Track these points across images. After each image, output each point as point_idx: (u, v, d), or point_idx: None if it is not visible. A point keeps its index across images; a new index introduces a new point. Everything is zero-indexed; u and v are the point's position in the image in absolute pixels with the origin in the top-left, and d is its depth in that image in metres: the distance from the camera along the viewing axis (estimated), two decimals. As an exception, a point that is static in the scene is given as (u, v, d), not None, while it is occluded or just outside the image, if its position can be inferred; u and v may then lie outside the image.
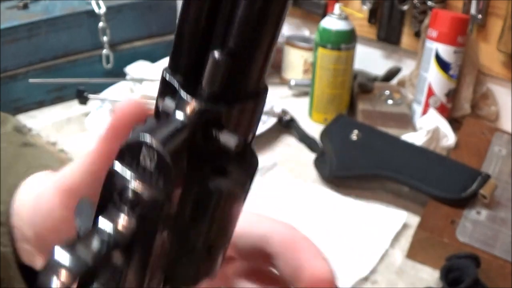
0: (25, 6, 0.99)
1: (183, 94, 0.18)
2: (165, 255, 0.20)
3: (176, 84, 0.18)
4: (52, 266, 0.17)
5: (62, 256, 0.17)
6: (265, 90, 0.21)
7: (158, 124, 0.18)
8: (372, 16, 1.11)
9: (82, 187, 0.28)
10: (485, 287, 0.55)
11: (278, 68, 1.19)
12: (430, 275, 0.62)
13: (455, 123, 0.96)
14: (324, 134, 0.83)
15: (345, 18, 0.92)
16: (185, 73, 0.19)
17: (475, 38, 0.96)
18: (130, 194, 0.18)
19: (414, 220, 0.70)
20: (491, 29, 0.94)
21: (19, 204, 0.33)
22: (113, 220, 0.18)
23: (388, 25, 1.09)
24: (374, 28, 1.13)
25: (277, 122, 0.93)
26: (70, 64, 1.00)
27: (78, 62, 1.01)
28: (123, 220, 0.18)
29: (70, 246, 0.17)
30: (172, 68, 0.19)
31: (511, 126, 0.97)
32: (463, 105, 0.96)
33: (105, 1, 1.01)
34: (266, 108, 0.96)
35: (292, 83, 1.08)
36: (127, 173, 0.18)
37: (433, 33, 0.89)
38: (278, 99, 1.00)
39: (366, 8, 1.09)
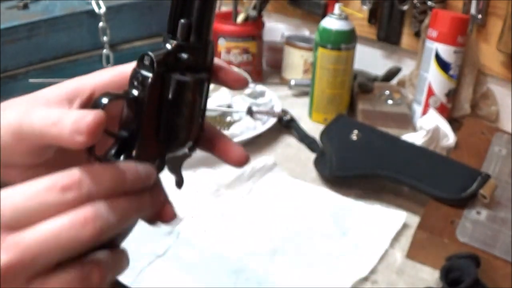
0: (25, 6, 0.99)
1: (169, 39, 0.35)
2: (155, 117, 0.34)
3: (168, 36, 0.35)
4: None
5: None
6: (209, 42, 0.36)
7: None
8: (372, 16, 1.12)
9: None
10: (485, 287, 0.55)
11: (278, 68, 1.19)
12: (430, 275, 0.62)
13: (455, 123, 0.96)
14: (324, 134, 0.83)
15: (345, 18, 0.92)
16: (172, 31, 0.35)
17: (475, 38, 0.96)
18: (140, 77, 0.34)
19: (414, 220, 0.70)
20: (491, 29, 0.94)
21: None
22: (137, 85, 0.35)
23: (388, 25, 1.09)
24: (374, 28, 1.13)
25: (277, 122, 0.93)
26: (70, 64, 1.00)
27: (78, 62, 1.01)
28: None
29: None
30: (168, 30, 0.35)
31: (511, 126, 0.97)
32: (463, 105, 0.96)
33: (105, 1, 1.01)
34: (266, 108, 0.96)
35: (292, 83, 1.08)
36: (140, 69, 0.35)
37: (433, 33, 0.89)
38: (278, 99, 1.00)
39: (366, 8, 1.09)
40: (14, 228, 0.29)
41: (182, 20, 0.34)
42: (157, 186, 0.35)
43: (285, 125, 0.94)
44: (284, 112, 0.96)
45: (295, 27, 1.26)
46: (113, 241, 0.33)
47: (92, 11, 1.00)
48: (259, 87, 1.04)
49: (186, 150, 0.37)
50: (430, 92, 0.92)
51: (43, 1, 1.03)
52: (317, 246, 0.64)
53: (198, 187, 0.72)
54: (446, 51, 0.89)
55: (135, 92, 0.34)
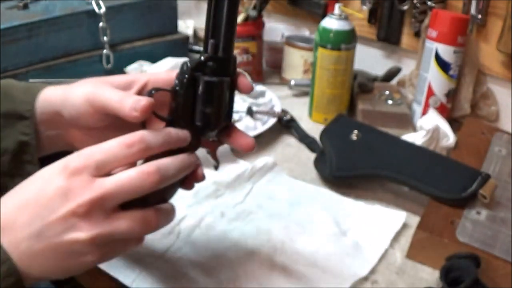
0: (25, 6, 0.99)
1: (203, 53, 0.48)
2: (191, 107, 0.48)
3: (203, 52, 0.48)
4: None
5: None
6: (231, 55, 0.49)
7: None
8: (372, 16, 1.12)
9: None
10: (485, 287, 0.55)
11: (278, 68, 1.19)
12: (430, 275, 0.62)
13: (455, 123, 0.96)
14: (324, 134, 0.83)
15: (345, 18, 0.92)
16: (205, 48, 0.48)
17: (475, 38, 0.96)
18: (180, 78, 0.47)
19: (414, 220, 0.70)
20: (491, 29, 0.94)
21: (48, 94, 0.52)
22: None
23: (388, 25, 1.09)
24: (374, 28, 1.13)
25: (277, 122, 0.93)
26: (70, 64, 1.00)
27: (78, 62, 1.01)
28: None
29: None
30: (203, 48, 0.48)
31: (511, 126, 0.97)
32: (463, 105, 0.96)
33: (105, 1, 1.01)
34: (266, 108, 0.96)
35: (292, 83, 1.08)
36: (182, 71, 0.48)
37: (433, 33, 0.89)
38: (278, 99, 1.00)
39: (366, 8, 1.09)
40: (97, 175, 0.42)
41: (211, 40, 0.48)
42: (195, 154, 0.49)
43: (285, 125, 0.94)
44: (284, 112, 0.96)
45: (295, 27, 1.26)
46: (164, 198, 0.48)
47: (92, 11, 1.00)
48: (259, 87, 1.04)
49: (214, 135, 0.50)
50: (430, 92, 0.92)
51: (43, 1, 1.03)
52: (317, 246, 0.64)
53: (198, 187, 0.72)
54: (446, 51, 0.89)
55: (176, 88, 0.48)
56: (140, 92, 0.50)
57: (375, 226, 0.68)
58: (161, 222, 0.45)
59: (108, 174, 0.43)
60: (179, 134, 0.47)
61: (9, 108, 0.52)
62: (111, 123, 0.49)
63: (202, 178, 0.50)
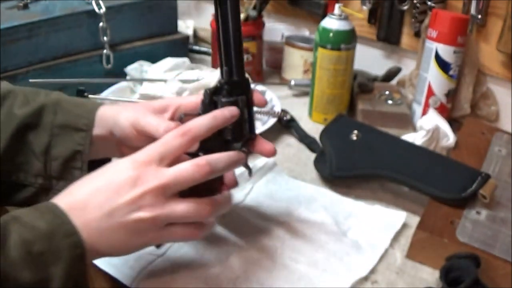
0: (25, 6, 0.99)
1: (220, 79, 0.57)
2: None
3: (220, 78, 0.57)
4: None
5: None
6: (244, 77, 0.58)
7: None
8: (372, 16, 1.12)
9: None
10: (485, 287, 0.55)
11: (278, 69, 1.19)
12: (430, 275, 0.62)
13: (455, 123, 0.96)
14: (324, 134, 0.83)
15: (345, 18, 0.92)
16: (221, 74, 0.56)
17: (475, 38, 0.96)
18: (202, 102, 0.57)
19: (414, 220, 0.70)
20: (491, 29, 0.94)
21: (103, 114, 0.61)
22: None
23: (388, 25, 1.09)
24: (374, 28, 1.13)
25: (277, 122, 0.93)
26: (70, 64, 1.00)
27: (78, 62, 1.01)
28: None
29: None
30: (220, 74, 0.56)
31: (511, 126, 0.97)
32: (463, 105, 0.96)
33: (105, 1, 1.01)
34: (266, 108, 0.96)
35: (292, 83, 1.08)
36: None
37: (433, 33, 0.89)
38: (278, 99, 1.00)
39: (366, 8, 1.09)
40: (160, 165, 0.51)
41: (225, 68, 0.56)
42: (242, 153, 0.57)
43: (285, 125, 0.94)
44: (284, 112, 0.96)
45: (295, 27, 1.26)
46: (219, 189, 0.57)
47: (92, 11, 1.00)
48: (259, 87, 1.04)
49: (239, 146, 0.57)
50: (430, 92, 0.92)
51: (43, 1, 1.03)
52: (317, 246, 0.64)
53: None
54: (446, 51, 0.89)
55: (200, 112, 0.57)
56: (173, 115, 0.60)
57: (375, 226, 0.68)
58: (214, 210, 0.53)
59: (170, 163, 0.51)
60: (225, 113, 0.55)
61: (64, 120, 0.61)
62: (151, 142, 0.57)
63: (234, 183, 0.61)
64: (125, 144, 0.60)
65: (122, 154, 0.57)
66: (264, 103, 0.60)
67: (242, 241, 0.64)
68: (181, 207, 0.51)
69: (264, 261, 0.60)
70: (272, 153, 0.59)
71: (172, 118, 0.60)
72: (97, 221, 0.49)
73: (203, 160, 0.51)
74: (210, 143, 0.55)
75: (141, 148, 0.53)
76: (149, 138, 0.56)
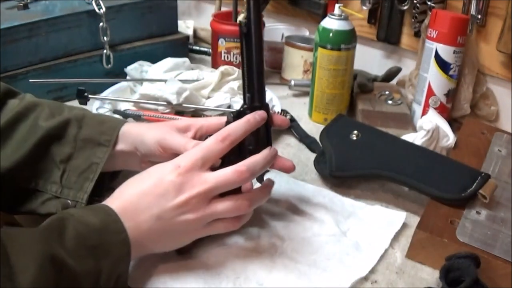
0: (25, 6, 0.99)
1: (243, 104, 0.63)
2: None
3: (243, 104, 0.63)
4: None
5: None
6: (264, 103, 0.63)
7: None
8: (372, 16, 1.12)
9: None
10: (485, 287, 0.55)
11: (278, 69, 1.19)
12: (430, 275, 0.62)
13: (455, 123, 0.96)
14: (324, 134, 0.83)
15: (345, 18, 0.92)
16: (244, 100, 0.63)
17: (475, 38, 0.96)
18: (226, 124, 0.62)
19: (414, 220, 0.70)
20: (491, 29, 0.94)
21: (127, 131, 0.66)
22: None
23: (388, 25, 1.10)
24: (374, 28, 1.13)
25: (277, 122, 0.93)
26: (70, 64, 1.00)
27: (78, 62, 1.01)
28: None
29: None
30: (243, 100, 0.63)
31: (511, 126, 0.97)
32: (463, 105, 0.96)
33: (105, 1, 1.01)
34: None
35: (292, 83, 1.08)
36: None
37: (433, 33, 0.89)
38: (278, 99, 1.00)
39: (366, 8, 1.09)
40: (202, 169, 0.56)
41: (248, 94, 0.62)
42: (274, 148, 0.62)
43: (285, 125, 0.94)
44: (284, 112, 0.96)
45: (295, 27, 1.26)
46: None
47: (92, 11, 1.00)
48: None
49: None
50: (430, 92, 0.92)
51: (43, 1, 1.03)
52: (316, 246, 0.64)
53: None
54: (446, 51, 0.89)
55: None
56: (195, 134, 0.65)
57: (375, 226, 0.68)
58: (251, 204, 0.59)
59: (212, 167, 0.57)
60: (256, 117, 0.60)
61: (88, 134, 0.66)
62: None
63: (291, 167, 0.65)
64: (149, 159, 0.65)
65: (143, 168, 0.61)
66: (286, 124, 0.66)
67: (242, 241, 0.64)
68: (223, 206, 0.56)
69: (264, 261, 0.60)
70: (292, 169, 0.65)
71: (194, 138, 0.64)
72: (147, 222, 0.54)
73: (243, 166, 0.56)
74: (229, 157, 0.59)
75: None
76: (173, 155, 0.60)
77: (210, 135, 0.59)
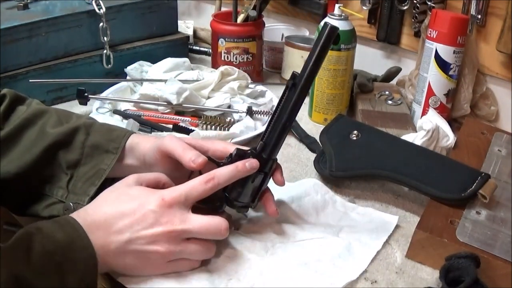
0: (25, 6, 0.99)
1: (252, 148, 0.63)
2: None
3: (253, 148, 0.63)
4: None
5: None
6: (273, 158, 0.64)
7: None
8: (372, 17, 1.12)
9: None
10: (484, 287, 0.55)
11: (278, 69, 1.19)
12: (430, 275, 0.62)
13: (455, 123, 0.96)
14: (324, 134, 0.83)
15: (345, 18, 0.92)
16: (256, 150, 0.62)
17: (474, 38, 0.96)
18: (230, 157, 0.62)
19: (414, 220, 0.70)
20: (491, 29, 0.94)
21: (135, 143, 0.67)
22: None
23: (388, 25, 1.10)
24: (374, 28, 1.13)
25: (277, 122, 0.93)
26: (70, 64, 1.00)
27: (79, 62, 1.01)
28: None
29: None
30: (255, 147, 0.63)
31: (511, 126, 0.97)
32: (463, 105, 0.96)
33: (105, 1, 1.01)
34: (266, 108, 0.96)
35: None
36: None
37: (433, 33, 0.89)
38: (278, 99, 1.00)
39: (366, 8, 1.09)
40: (184, 205, 0.56)
41: (261, 142, 0.62)
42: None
43: (285, 125, 0.94)
44: (284, 112, 0.96)
45: (295, 27, 1.26)
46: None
47: (92, 11, 1.00)
48: (259, 87, 1.04)
49: (245, 204, 0.63)
50: (430, 92, 0.92)
51: (43, 1, 1.03)
52: (308, 248, 0.63)
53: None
54: (445, 51, 0.89)
55: (221, 164, 0.62)
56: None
57: (368, 229, 0.68)
58: (211, 252, 0.59)
59: (192, 205, 0.57)
60: (246, 165, 0.60)
61: (97, 141, 0.66)
62: (174, 169, 0.64)
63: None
64: (150, 168, 0.66)
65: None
66: (281, 184, 0.65)
67: (233, 242, 0.63)
68: (192, 249, 0.57)
69: (255, 262, 0.60)
70: (274, 215, 0.65)
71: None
72: (116, 243, 0.54)
73: (222, 219, 0.57)
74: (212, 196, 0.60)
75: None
76: (171, 163, 0.63)
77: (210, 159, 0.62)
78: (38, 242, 0.50)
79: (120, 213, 0.55)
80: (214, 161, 0.63)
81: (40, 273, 0.49)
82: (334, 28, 0.60)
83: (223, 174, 0.59)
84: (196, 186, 0.57)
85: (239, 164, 0.60)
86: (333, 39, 0.61)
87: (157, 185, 0.61)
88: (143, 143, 0.67)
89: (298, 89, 0.61)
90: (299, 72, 0.61)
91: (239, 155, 0.61)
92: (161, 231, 0.54)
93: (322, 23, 0.93)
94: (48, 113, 0.69)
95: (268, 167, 0.63)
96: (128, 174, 0.66)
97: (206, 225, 0.56)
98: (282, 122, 0.61)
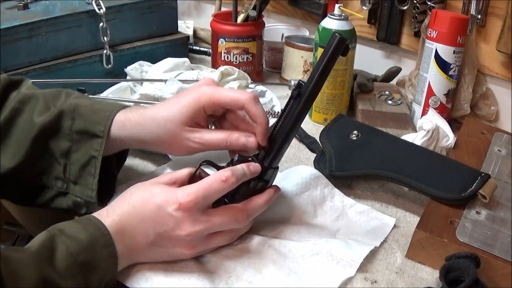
0: (25, 6, 0.99)
1: (254, 155, 0.63)
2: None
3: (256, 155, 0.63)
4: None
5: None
6: (275, 167, 0.64)
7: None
8: (372, 17, 1.12)
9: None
10: (484, 287, 0.56)
11: (278, 69, 1.19)
12: (430, 275, 0.62)
13: (455, 123, 0.96)
14: (324, 134, 0.83)
15: (345, 18, 0.92)
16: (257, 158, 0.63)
17: (474, 38, 0.96)
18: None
19: (414, 220, 0.70)
20: (491, 29, 0.94)
21: (122, 119, 0.64)
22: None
23: (388, 25, 1.10)
24: (374, 28, 1.13)
25: (277, 122, 0.93)
26: (70, 64, 1.00)
27: (78, 62, 1.01)
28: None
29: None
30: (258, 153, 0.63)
31: (511, 126, 0.97)
32: (463, 105, 0.96)
33: (105, 1, 1.01)
34: (266, 108, 0.96)
35: (292, 83, 1.08)
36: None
37: (433, 33, 0.89)
38: (278, 99, 1.00)
39: (366, 8, 1.09)
40: (204, 206, 0.57)
41: (263, 152, 0.62)
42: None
43: (285, 125, 0.94)
44: (284, 112, 0.96)
45: (295, 27, 1.26)
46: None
47: (92, 11, 1.00)
48: (259, 87, 1.04)
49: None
50: (430, 92, 0.92)
51: (43, 1, 1.04)
52: (306, 246, 0.62)
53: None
54: (445, 51, 0.89)
55: (224, 166, 0.62)
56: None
57: (365, 230, 0.67)
58: (253, 216, 0.62)
59: (211, 205, 0.59)
60: (250, 168, 0.60)
61: (82, 126, 0.64)
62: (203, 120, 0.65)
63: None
64: (151, 148, 0.67)
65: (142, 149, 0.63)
66: (276, 193, 0.65)
67: (236, 241, 0.63)
68: (216, 241, 0.60)
69: (254, 260, 0.60)
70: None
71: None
72: (143, 245, 0.56)
73: (244, 211, 0.59)
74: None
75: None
76: (176, 148, 0.65)
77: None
78: (62, 244, 0.51)
79: (142, 219, 0.56)
80: (214, 165, 0.62)
81: (66, 274, 0.50)
82: (342, 40, 0.59)
83: (240, 172, 0.59)
84: (213, 185, 0.57)
85: (244, 165, 0.60)
86: (341, 50, 0.61)
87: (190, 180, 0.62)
88: (134, 116, 0.65)
89: (303, 100, 0.60)
90: (302, 79, 0.62)
91: (240, 162, 0.61)
92: (182, 235, 0.56)
93: (321, 24, 0.94)
94: (34, 98, 0.67)
95: (269, 175, 0.63)
96: (122, 147, 0.67)
97: (226, 220, 0.58)
98: (285, 132, 0.61)
